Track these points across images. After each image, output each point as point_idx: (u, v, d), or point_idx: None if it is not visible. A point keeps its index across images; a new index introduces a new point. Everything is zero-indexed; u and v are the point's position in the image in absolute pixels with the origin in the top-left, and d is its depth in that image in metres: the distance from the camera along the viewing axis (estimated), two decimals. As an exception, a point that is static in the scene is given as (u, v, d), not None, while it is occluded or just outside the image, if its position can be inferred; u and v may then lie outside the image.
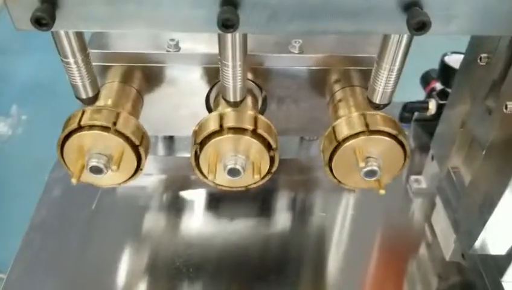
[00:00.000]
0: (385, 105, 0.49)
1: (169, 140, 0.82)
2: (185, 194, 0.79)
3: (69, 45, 0.43)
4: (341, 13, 0.38)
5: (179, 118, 0.66)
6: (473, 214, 0.56)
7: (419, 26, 0.36)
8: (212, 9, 0.37)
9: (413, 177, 0.81)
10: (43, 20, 0.36)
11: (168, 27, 0.39)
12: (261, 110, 0.64)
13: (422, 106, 0.85)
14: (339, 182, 0.58)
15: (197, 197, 0.79)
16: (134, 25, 0.39)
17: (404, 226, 0.78)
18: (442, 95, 0.85)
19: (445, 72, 0.84)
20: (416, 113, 0.88)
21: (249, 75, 0.61)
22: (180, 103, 0.64)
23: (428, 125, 0.89)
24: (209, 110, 0.64)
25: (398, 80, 0.47)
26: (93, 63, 0.58)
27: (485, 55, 0.51)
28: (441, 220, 0.71)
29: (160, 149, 0.82)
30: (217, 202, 0.79)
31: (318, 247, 0.73)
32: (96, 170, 0.54)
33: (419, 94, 0.93)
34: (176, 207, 0.77)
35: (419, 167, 0.82)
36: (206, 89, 0.62)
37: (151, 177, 0.82)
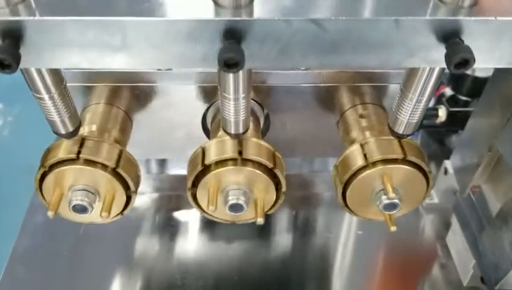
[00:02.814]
0: (408, 135, 0.44)
1: (162, 157, 0.77)
2: (179, 214, 0.75)
3: (41, 81, 0.37)
4: (365, 47, 0.32)
5: (173, 140, 0.61)
6: (502, 249, 0.51)
7: (462, 63, 0.30)
8: (213, 43, 0.31)
9: None
10: (5, 61, 0.30)
11: (161, 64, 0.33)
12: (263, 129, 0.59)
13: (432, 113, 0.80)
14: (352, 212, 0.53)
15: (192, 217, 0.75)
16: (120, 62, 0.33)
17: (415, 246, 0.73)
18: (453, 102, 0.80)
19: (456, 77, 0.79)
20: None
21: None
22: (173, 124, 0.59)
23: (438, 133, 0.85)
24: (206, 131, 0.59)
25: (426, 109, 0.41)
26: (76, 84, 0.53)
27: (523, 72, 0.45)
28: (457, 242, 0.66)
29: (153, 166, 0.78)
30: (214, 222, 0.74)
31: (323, 270, 0.69)
32: (81, 209, 0.49)
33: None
34: (170, 229, 0.73)
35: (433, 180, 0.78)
36: (203, 109, 0.57)
37: (144, 196, 0.77)
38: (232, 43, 0.30)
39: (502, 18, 0.30)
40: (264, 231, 0.73)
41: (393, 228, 0.50)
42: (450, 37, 0.31)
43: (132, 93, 0.55)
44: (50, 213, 0.48)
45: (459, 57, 0.30)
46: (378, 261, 0.71)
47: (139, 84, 0.54)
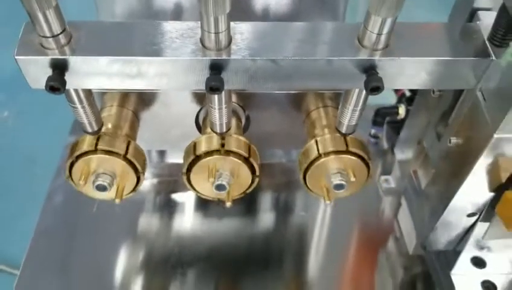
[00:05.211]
0: (350, 134, 0.56)
1: (162, 148, 0.88)
2: (176, 196, 0.84)
3: (77, 96, 0.49)
4: (310, 76, 0.45)
5: (172, 135, 0.72)
6: (424, 219, 0.65)
7: (374, 89, 0.43)
8: (202, 73, 0.44)
9: (383, 177, 0.87)
10: (55, 86, 0.43)
11: (165, 86, 0.45)
12: (244, 127, 0.71)
13: (393, 111, 0.91)
14: (313, 192, 0.65)
15: (187, 199, 0.84)
16: (136, 85, 0.45)
17: (375, 223, 0.83)
18: (411, 101, 0.90)
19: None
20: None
21: (234, 98, 0.68)
22: (172, 122, 0.70)
23: (399, 128, 0.96)
24: (199, 128, 0.71)
25: (362, 114, 0.54)
26: (94, 90, 0.65)
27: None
28: (405, 217, 0.77)
29: (154, 156, 0.87)
30: (206, 203, 0.81)
31: (299, 243, 0.79)
32: (102, 188, 0.61)
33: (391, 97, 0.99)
34: (168, 209, 0.82)
35: (390, 167, 0.90)
36: (196, 110, 0.68)
37: (146, 181, 0.83)
38: (215, 73, 0.43)
39: (403, 58, 0.43)
40: (250, 211, 0.82)
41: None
42: (368, 70, 0.44)
43: (139, 97, 0.66)
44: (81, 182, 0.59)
45: (372, 84, 0.43)
46: (345, 235, 0.80)
47: (145, 90, 0.65)
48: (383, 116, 0.92)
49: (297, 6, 0.58)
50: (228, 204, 0.63)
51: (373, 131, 0.93)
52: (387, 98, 0.95)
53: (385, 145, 0.94)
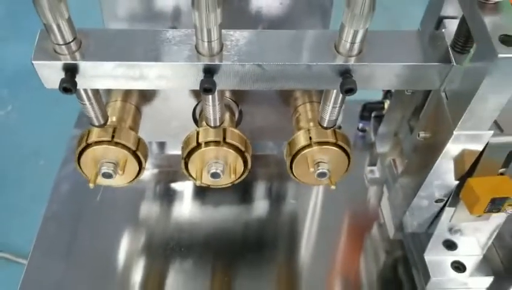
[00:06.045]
0: (330, 127, 0.62)
1: (162, 140, 0.93)
2: (176, 185, 0.88)
3: (85, 95, 0.55)
4: (292, 77, 0.50)
5: (171, 127, 0.77)
6: (398, 203, 0.71)
7: (348, 91, 0.49)
8: (197, 76, 0.50)
9: (368, 168, 0.92)
10: (68, 87, 0.48)
11: (164, 87, 0.51)
12: (237, 121, 0.77)
13: (379, 106, 0.96)
14: (298, 180, 0.71)
15: (186, 188, 0.88)
16: (139, 85, 0.51)
17: (361, 210, 0.88)
18: (395, 97, 0.97)
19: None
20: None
21: (227, 93, 0.73)
22: (171, 115, 0.75)
23: (385, 122, 1.02)
24: (195, 121, 0.77)
25: (341, 110, 0.59)
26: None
27: (410, 87, 0.64)
28: (386, 204, 0.83)
29: (155, 148, 0.93)
30: (204, 191, 0.86)
31: (291, 229, 0.84)
32: (107, 175, 0.66)
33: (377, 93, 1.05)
34: (168, 197, 0.86)
35: (376, 159, 0.94)
36: (193, 105, 0.74)
37: (147, 171, 0.87)
38: (208, 76, 0.49)
39: (373, 63, 0.49)
40: (245, 199, 0.87)
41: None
42: (343, 74, 0.50)
43: (140, 93, 0.71)
44: (91, 185, 0.65)
45: (346, 87, 0.49)
46: (333, 222, 0.85)
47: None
48: (369, 110, 0.98)
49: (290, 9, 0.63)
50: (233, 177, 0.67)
51: (361, 125, 0.99)
52: (374, 94, 1.02)
53: (372, 138, 0.99)
